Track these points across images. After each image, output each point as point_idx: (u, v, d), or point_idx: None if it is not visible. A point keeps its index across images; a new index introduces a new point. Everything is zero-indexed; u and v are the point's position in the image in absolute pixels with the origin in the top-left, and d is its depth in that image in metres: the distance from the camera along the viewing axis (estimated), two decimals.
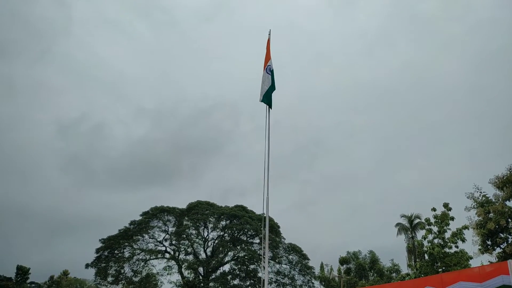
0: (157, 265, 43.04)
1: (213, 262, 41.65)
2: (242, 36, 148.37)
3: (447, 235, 24.68)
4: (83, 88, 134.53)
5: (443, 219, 24.73)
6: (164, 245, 43.17)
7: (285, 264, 43.31)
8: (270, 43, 8.41)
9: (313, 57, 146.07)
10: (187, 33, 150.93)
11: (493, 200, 21.38)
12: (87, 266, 40.07)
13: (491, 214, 20.64)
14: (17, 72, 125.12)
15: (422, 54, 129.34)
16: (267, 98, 7.92)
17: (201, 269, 42.21)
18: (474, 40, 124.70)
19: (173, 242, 42.69)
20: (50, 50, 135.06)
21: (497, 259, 20.64)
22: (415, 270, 27.59)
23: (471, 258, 23.94)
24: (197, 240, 43.34)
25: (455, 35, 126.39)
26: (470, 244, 22.82)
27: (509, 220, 20.08)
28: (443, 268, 23.86)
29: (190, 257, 42.51)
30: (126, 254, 41.10)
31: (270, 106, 7.97)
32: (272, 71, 8.07)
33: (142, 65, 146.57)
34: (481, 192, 22.11)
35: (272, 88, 7.93)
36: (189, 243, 42.35)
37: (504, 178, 20.70)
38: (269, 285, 40.42)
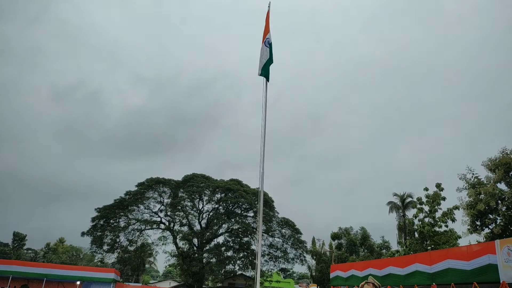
0: (152, 235, 43.83)
1: (208, 233, 42.32)
2: (243, 6, 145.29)
3: (438, 214, 25.19)
4: (79, 54, 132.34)
5: (435, 199, 25.18)
6: (159, 216, 43.71)
7: (278, 237, 44.12)
8: (270, 15, 8.28)
9: (314, 32, 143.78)
10: (185, 2, 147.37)
11: (485, 182, 21.63)
12: (83, 234, 40.60)
13: (482, 196, 20.93)
14: (14, 33, 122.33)
15: (424, 33, 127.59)
16: (265, 71, 7.84)
17: (195, 240, 42.93)
18: (478, 20, 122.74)
19: (168, 213, 43.18)
20: (46, 12, 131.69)
21: (485, 239, 21.10)
22: (404, 247, 28.26)
23: (460, 237, 24.54)
24: (192, 212, 43.85)
25: (459, 15, 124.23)
26: (460, 224, 23.29)
27: (499, 201, 20.38)
28: (432, 246, 24.44)
29: (185, 228, 43.15)
30: (122, 224, 41.63)
31: (267, 79, 7.87)
32: (270, 44, 7.96)
33: (140, 33, 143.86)
34: (473, 174, 22.35)
35: (270, 61, 7.83)
36: (184, 215, 42.87)
37: (497, 160, 20.87)
38: (262, 258, 41.29)
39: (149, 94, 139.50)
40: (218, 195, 44.29)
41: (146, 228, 42.68)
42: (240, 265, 42.73)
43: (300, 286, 8.67)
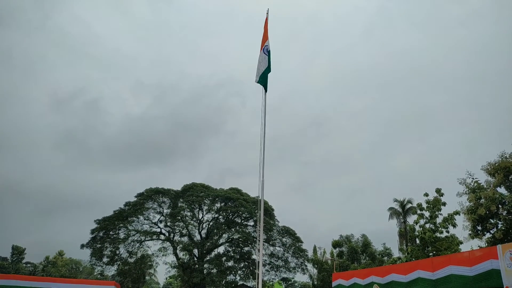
0: (152, 246, 43.48)
1: (208, 244, 42.09)
2: (243, 12, 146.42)
3: (439, 220, 25.09)
4: (78, 63, 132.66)
5: (435, 204, 25.10)
6: (159, 227, 43.49)
7: (279, 246, 43.89)
8: (268, 22, 8.29)
9: (313, 38, 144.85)
10: (184, 9, 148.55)
11: (485, 186, 21.61)
12: (82, 246, 40.37)
13: (482, 200, 20.89)
14: (15, 42, 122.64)
15: (423, 38, 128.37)
16: (263, 80, 7.80)
17: (195, 251, 42.67)
18: (477, 24, 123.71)
19: (168, 223, 42.98)
20: (46, 21, 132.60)
21: (486, 244, 21.01)
22: (406, 254, 28.09)
23: (461, 243, 24.39)
24: (192, 222, 43.67)
25: (457, 18, 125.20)
26: (461, 229, 23.20)
27: (500, 206, 20.34)
28: (434, 252, 24.30)
29: (185, 239, 42.92)
30: (121, 235, 41.40)
31: (265, 88, 7.85)
32: (269, 52, 7.96)
33: (140, 41, 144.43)
34: (473, 178, 22.34)
35: (268, 70, 7.77)
36: (184, 225, 42.69)
37: (496, 164, 20.89)
38: (262, 267, 41.01)
39: (150, 101, 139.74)
40: (218, 205, 44.16)
41: (146, 239, 42.47)
42: (241, 275, 42.47)
43: None
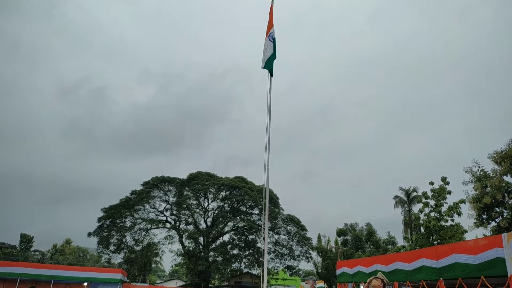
0: (158, 234, 43.92)
1: (213, 232, 42.38)
2: (246, 1, 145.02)
3: (444, 208, 25.08)
4: (83, 52, 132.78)
5: (441, 193, 25.06)
6: (165, 215, 43.84)
7: (284, 235, 44.10)
8: (274, 9, 8.28)
9: (318, 26, 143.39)
10: None
11: (491, 174, 21.49)
12: (89, 235, 40.80)
13: (488, 189, 20.80)
14: (22, 30, 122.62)
15: (429, 26, 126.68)
16: (268, 65, 7.88)
17: (201, 239, 43.02)
18: (483, 13, 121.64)
19: (174, 212, 43.30)
20: (52, 10, 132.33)
21: (491, 233, 20.97)
22: (410, 243, 28.18)
23: (466, 231, 24.42)
24: (198, 210, 43.93)
25: (464, 7, 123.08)
26: (466, 218, 23.19)
27: (506, 194, 20.24)
28: (438, 241, 24.34)
29: (191, 227, 43.24)
30: (128, 224, 41.78)
31: (271, 74, 7.90)
32: (274, 39, 7.97)
33: (145, 30, 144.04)
34: (479, 167, 22.22)
35: (273, 56, 7.85)
36: (190, 213, 42.95)
37: (503, 153, 20.72)
38: (267, 255, 41.27)
39: (156, 90, 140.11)
40: (223, 193, 44.35)
41: (152, 227, 42.83)
42: (246, 263, 42.79)
43: (306, 283, 8.60)
